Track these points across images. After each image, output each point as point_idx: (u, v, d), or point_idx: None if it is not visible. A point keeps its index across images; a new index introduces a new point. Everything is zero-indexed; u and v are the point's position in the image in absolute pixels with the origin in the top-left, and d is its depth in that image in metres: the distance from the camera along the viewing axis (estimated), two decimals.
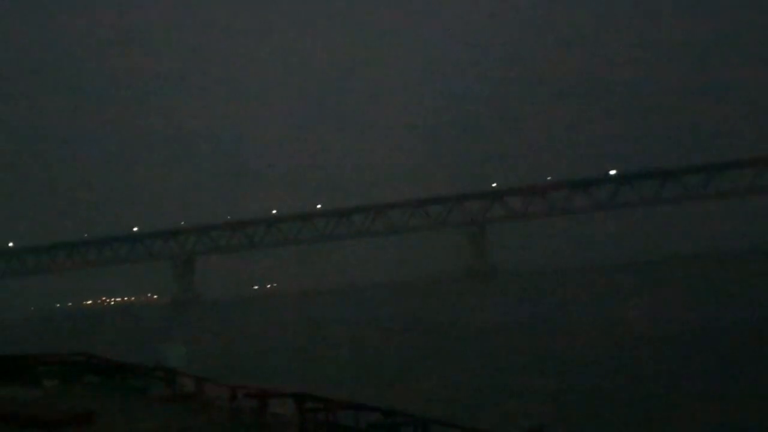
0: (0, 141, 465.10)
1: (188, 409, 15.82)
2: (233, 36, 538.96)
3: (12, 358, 24.43)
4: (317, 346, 46.37)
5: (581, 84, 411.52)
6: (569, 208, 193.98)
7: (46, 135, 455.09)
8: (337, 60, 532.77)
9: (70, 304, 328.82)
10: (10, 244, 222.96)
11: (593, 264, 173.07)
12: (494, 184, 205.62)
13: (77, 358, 23.35)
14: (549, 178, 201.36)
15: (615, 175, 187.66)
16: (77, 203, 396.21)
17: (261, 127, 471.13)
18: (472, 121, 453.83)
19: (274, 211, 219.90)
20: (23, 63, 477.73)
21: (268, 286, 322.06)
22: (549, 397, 21.71)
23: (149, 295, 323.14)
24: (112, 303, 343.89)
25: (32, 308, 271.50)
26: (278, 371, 28.62)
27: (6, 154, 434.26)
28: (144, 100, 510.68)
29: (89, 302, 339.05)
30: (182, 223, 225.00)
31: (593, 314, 52.30)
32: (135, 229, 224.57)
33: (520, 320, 51.76)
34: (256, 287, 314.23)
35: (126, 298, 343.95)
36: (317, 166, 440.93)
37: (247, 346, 50.48)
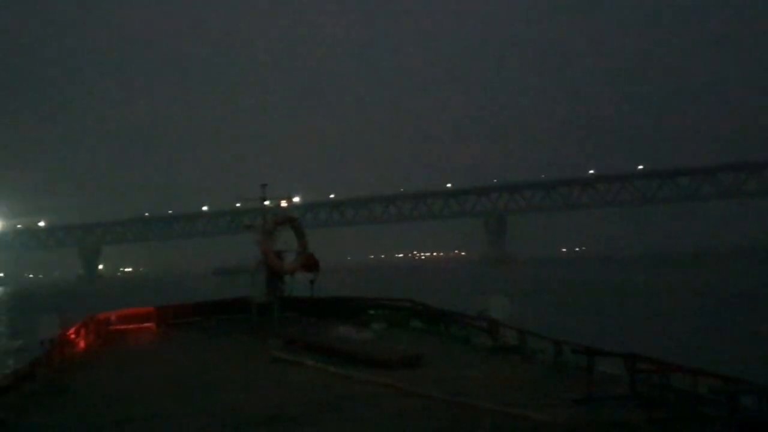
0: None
1: (512, 361, 16.39)
2: None
3: (346, 301, 27.06)
4: (638, 311, 45.38)
5: None
6: None
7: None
8: None
9: (382, 256, 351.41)
10: (332, 196, 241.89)
11: None
12: None
13: (403, 304, 25.28)
14: None
15: None
16: (395, 157, 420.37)
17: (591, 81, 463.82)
18: None
19: (592, 171, 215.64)
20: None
21: (577, 249, 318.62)
22: None
23: (457, 251, 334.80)
24: (422, 257, 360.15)
25: (348, 258, 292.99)
26: (600, 333, 28.59)
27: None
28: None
29: (400, 255, 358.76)
30: (495, 180, 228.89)
31: None
32: (449, 185, 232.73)
33: None
34: (564, 249, 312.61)
35: (435, 254, 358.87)
36: (639, 121, 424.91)
37: (564, 305, 50.72)
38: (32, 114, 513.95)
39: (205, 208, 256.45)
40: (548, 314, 39.60)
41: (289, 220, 26.36)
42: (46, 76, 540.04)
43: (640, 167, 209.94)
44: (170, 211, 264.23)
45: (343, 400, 12.78)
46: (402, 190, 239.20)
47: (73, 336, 20.48)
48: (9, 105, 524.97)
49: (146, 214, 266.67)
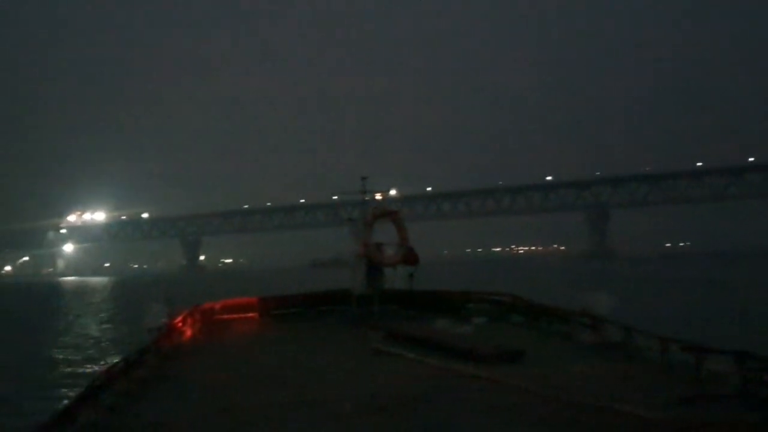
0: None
1: (616, 358, 16.13)
2: None
3: (446, 294, 27.21)
4: (749, 309, 43.76)
5: None
6: None
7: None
8: None
9: (479, 250, 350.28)
10: (428, 189, 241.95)
11: None
12: None
13: (503, 298, 25.23)
14: None
15: None
16: (493, 150, 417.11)
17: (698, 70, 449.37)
18: None
19: (699, 164, 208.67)
20: None
21: (681, 244, 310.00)
22: None
23: (555, 246, 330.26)
24: (521, 252, 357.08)
25: (444, 252, 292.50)
26: (708, 331, 27.81)
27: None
28: None
29: (498, 249, 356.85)
30: (597, 173, 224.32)
31: None
32: (548, 178, 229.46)
33: None
34: (668, 244, 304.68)
35: (534, 248, 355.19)
36: (748, 114, 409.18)
37: (670, 303, 49.47)
38: (136, 110, 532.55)
39: (302, 200, 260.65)
40: (653, 311, 38.72)
41: (389, 213, 26.73)
42: (150, 75, 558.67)
43: (751, 159, 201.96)
44: (268, 204, 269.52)
45: (443, 393, 12.87)
46: (500, 183, 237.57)
47: (179, 325, 21.33)
48: (116, 103, 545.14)
49: (245, 206, 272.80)
